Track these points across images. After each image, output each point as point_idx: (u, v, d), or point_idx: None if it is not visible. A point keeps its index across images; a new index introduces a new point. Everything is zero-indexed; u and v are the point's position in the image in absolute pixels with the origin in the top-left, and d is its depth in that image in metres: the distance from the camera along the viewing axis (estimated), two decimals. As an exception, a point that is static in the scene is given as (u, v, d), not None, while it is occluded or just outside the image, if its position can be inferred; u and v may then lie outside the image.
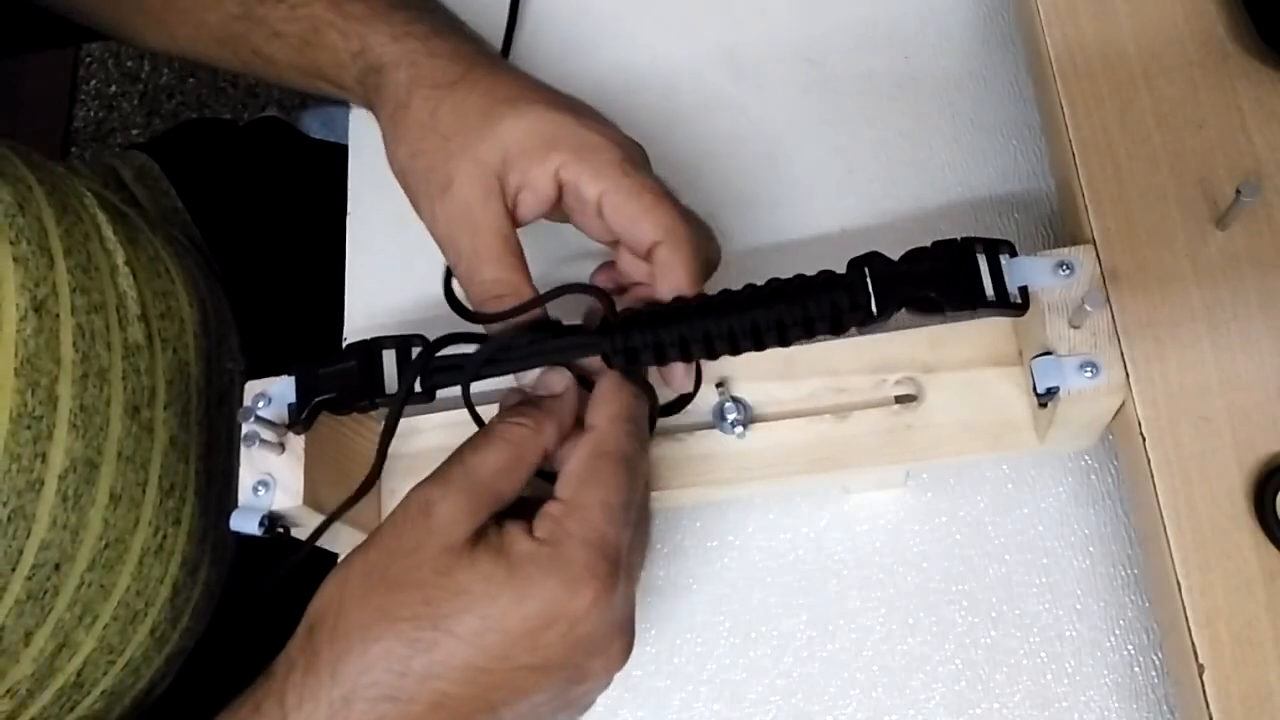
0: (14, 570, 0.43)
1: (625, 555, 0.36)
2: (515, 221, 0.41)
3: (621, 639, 0.37)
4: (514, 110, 0.40)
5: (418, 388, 0.40)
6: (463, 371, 0.40)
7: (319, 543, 0.46)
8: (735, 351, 0.38)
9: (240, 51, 0.50)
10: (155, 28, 0.53)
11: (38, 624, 0.45)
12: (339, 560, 0.38)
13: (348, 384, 0.40)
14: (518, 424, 0.38)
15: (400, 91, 0.43)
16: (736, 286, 0.40)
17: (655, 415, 0.42)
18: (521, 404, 0.39)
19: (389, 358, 0.40)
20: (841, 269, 0.39)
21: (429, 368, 0.40)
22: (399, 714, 0.34)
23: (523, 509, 0.37)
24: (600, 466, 0.37)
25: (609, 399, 0.38)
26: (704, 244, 0.41)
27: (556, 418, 0.38)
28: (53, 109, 1.54)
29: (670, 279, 0.39)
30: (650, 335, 0.38)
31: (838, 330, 0.38)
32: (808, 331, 0.38)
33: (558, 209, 0.42)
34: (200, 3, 0.49)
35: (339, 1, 0.46)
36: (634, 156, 0.41)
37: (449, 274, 0.45)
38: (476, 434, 0.38)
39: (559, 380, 0.40)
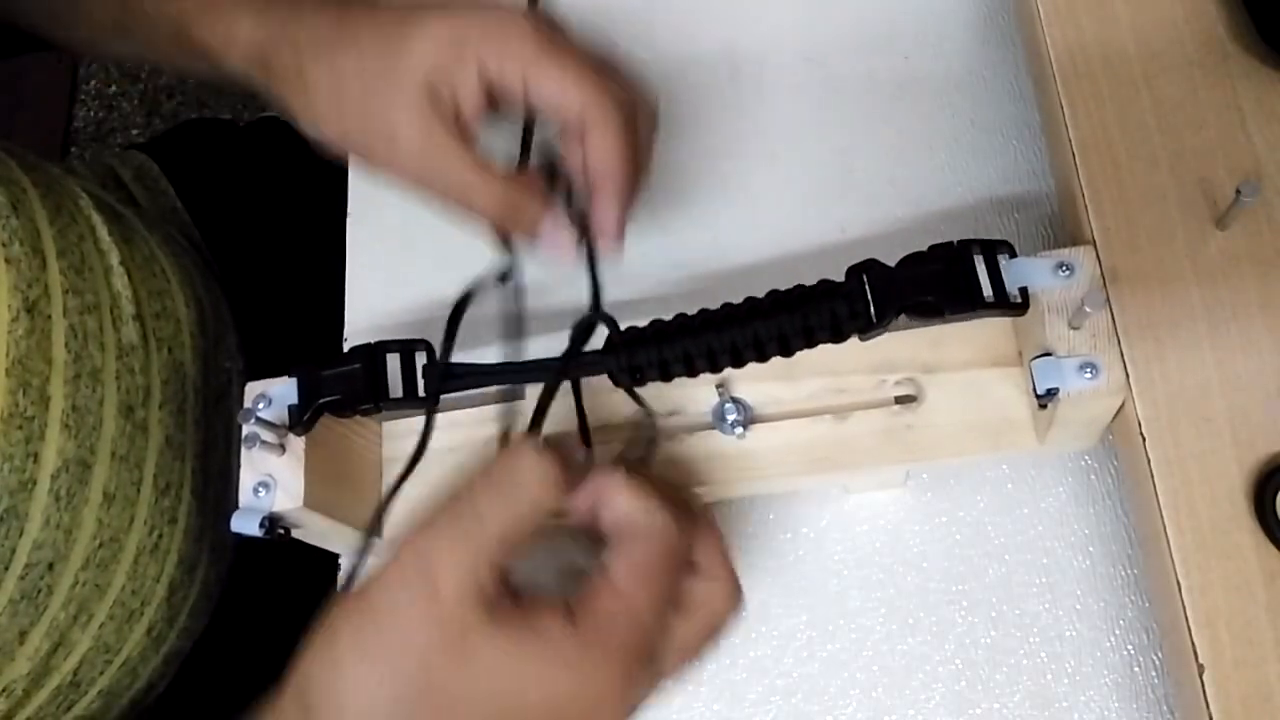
0: (7, 569, 0.43)
1: (659, 655, 0.33)
2: (469, 132, 0.40)
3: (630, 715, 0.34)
4: (413, 27, 0.39)
5: (422, 393, 0.40)
6: (467, 378, 0.40)
7: (318, 543, 0.46)
8: (739, 364, 0.39)
9: (131, 43, 0.49)
10: (63, 28, 0.53)
11: (33, 623, 0.45)
12: (325, 616, 0.33)
13: (352, 387, 0.40)
14: (533, 468, 0.33)
15: (290, 72, 0.41)
16: (738, 285, 0.40)
17: (657, 441, 0.41)
18: (523, 440, 0.35)
19: (393, 361, 0.40)
20: (841, 270, 0.39)
21: (439, 375, 0.40)
22: None
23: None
24: (664, 564, 0.33)
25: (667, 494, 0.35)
26: (632, 109, 0.39)
27: (565, 454, 0.35)
28: (53, 109, 1.54)
29: (600, 149, 0.38)
30: (655, 353, 0.38)
31: (838, 338, 0.38)
32: (809, 341, 0.38)
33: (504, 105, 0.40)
34: (86, 2, 0.49)
35: None
36: (546, 32, 0.38)
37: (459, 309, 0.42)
38: (490, 476, 0.34)
39: (580, 448, 0.38)
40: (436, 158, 0.39)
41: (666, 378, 0.39)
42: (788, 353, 0.38)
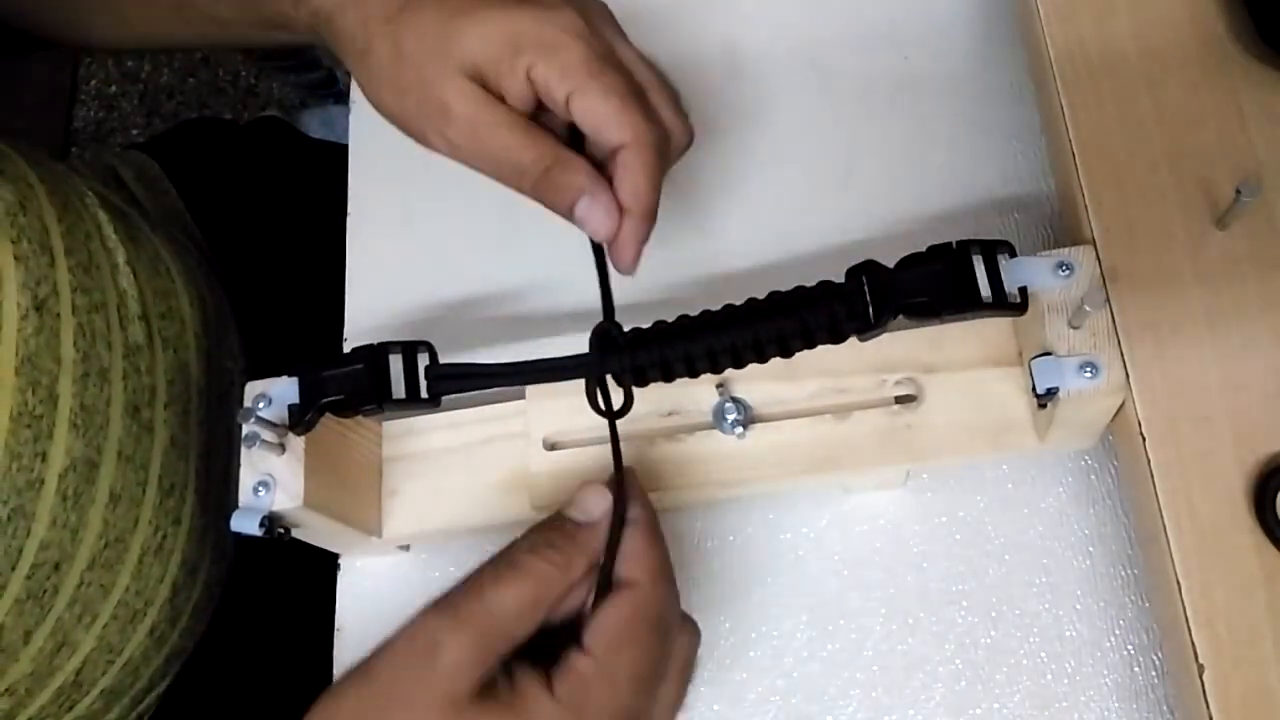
0: (14, 569, 0.43)
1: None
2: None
3: None
4: (470, 20, 0.40)
5: (424, 394, 0.40)
6: (470, 379, 0.40)
7: (318, 543, 0.46)
8: (739, 365, 0.39)
9: (191, 18, 0.49)
10: (105, 12, 0.52)
11: (37, 623, 0.45)
12: (332, 685, 0.34)
13: (355, 387, 0.40)
14: (548, 561, 0.34)
15: (357, 36, 0.42)
16: (738, 285, 0.40)
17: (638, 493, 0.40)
18: (550, 529, 0.36)
19: (395, 362, 0.40)
20: (841, 270, 0.39)
21: (438, 373, 0.40)
22: None
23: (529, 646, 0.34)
24: (638, 630, 0.34)
25: (649, 552, 0.35)
26: (666, 143, 0.40)
27: (588, 553, 0.35)
28: (53, 109, 1.54)
29: (629, 183, 0.39)
30: (656, 354, 0.38)
31: (837, 339, 0.38)
32: (808, 342, 0.38)
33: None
34: None
35: None
36: (598, 50, 0.39)
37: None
38: (499, 563, 0.34)
39: (598, 503, 0.36)
40: (487, 121, 0.39)
41: (668, 378, 0.39)
42: (787, 354, 0.38)
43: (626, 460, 0.39)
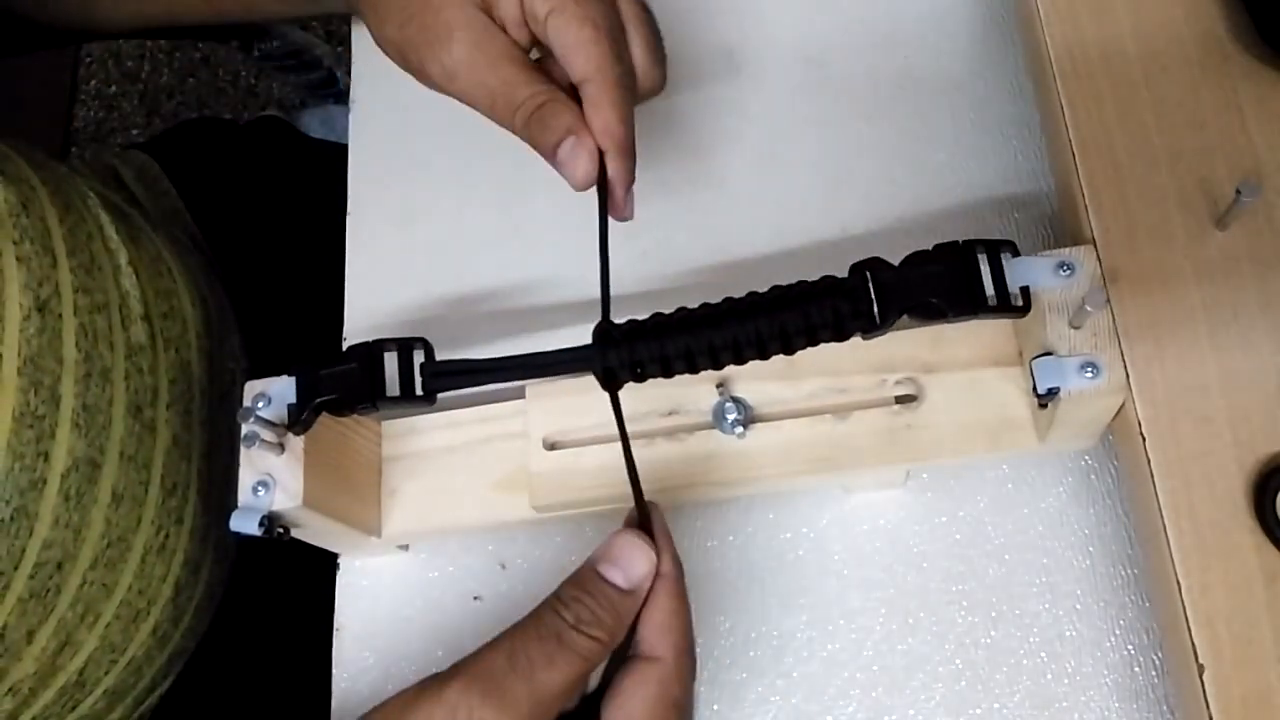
0: (16, 569, 0.43)
1: None
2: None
3: None
4: None
5: (419, 391, 0.40)
6: (466, 375, 0.40)
7: (317, 543, 0.46)
8: (740, 361, 0.38)
9: None
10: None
11: (40, 622, 0.45)
12: None
13: (350, 385, 0.40)
14: (596, 640, 0.33)
15: None
16: (738, 284, 0.40)
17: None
18: (593, 595, 0.33)
19: (390, 359, 0.40)
20: (842, 269, 0.38)
21: (433, 370, 0.40)
22: None
23: None
24: (663, 710, 0.32)
25: (675, 623, 0.34)
26: (631, 81, 0.41)
27: (629, 622, 0.34)
28: (53, 109, 1.54)
29: (599, 119, 0.39)
30: (656, 348, 0.38)
31: (841, 337, 0.37)
32: (811, 340, 0.38)
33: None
34: None
35: None
36: None
37: None
38: (545, 640, 0.32)
39: (641, 565, 0.34)
40: (488, 48, 0.40)
41: (668, 374, 0.39)
42: (790, 351, 0.38)
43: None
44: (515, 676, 0.31)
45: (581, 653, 0.32)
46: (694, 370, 0.39)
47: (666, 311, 0.39)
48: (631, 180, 0.41)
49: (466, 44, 0.40)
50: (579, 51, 0.39)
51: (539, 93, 0.40)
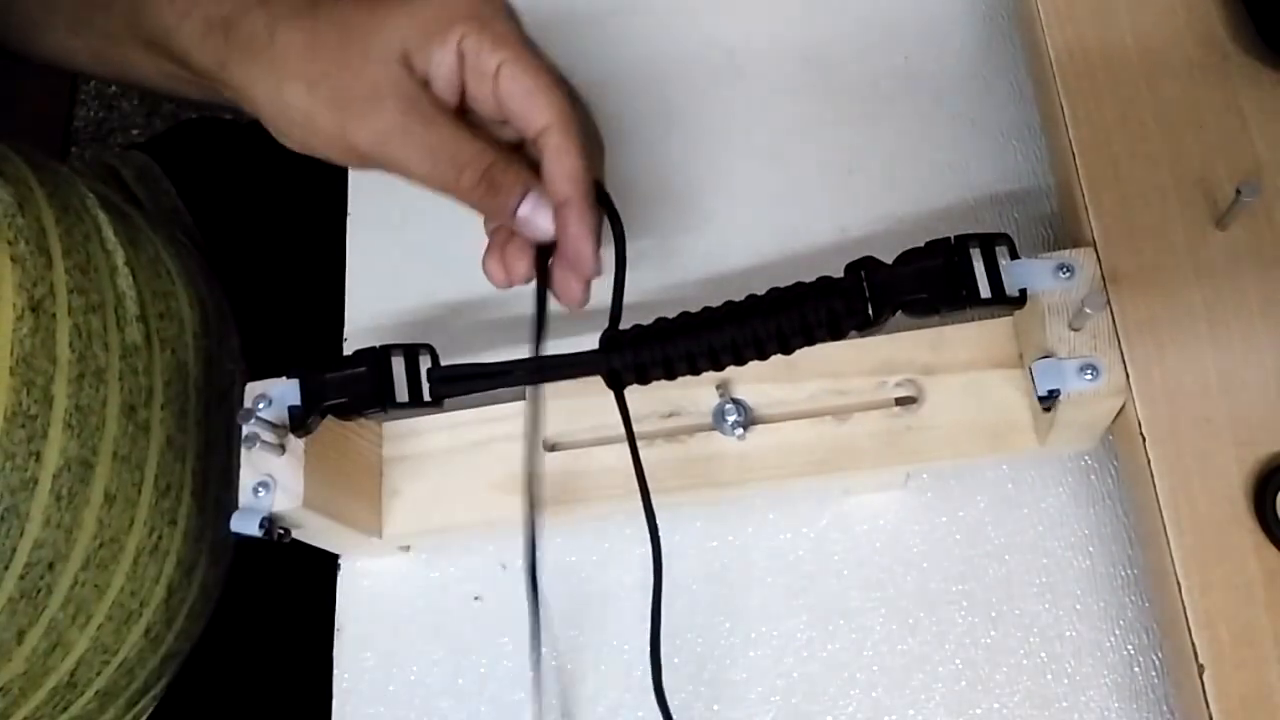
0: (7, 569, 0.43)
1: None
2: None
3: None
4: (398, 4, 0.38)
5: (426, 396, 0.40)
6: (474, 380, 0.40)
7: (318, 544, 0.46)
8: (740, 362, 0.39)
9: (88, 38, 0.47)
10: (17, 25, 0.50)
11: (31, 623, 0.45)
12: None
13: (358, 390, 0.40)
14: None
15: (259, 34, 0.39)
16: (738, 284, 0.40)
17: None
18: None
19: (398, 364, 0.40)
20: (840, 270, 0.39)
21: (440, 375, 0.40)
22: None
23: None
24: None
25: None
26: (593, 133, 0.39)
27: None
28: (53, 109, 1.54)
29: (564, 164, 0.37)
30: (658, 351, 0.38)
31: (837, 335, 0.38)
32: (808, 339, 0.38)
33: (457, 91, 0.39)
34: None
35: None
36: (524, 32, 0.38)
37: None
38: None
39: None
40: (422, 110, 0.37)
41: (671, 375, 0.39)
42: (788, 351, 0.38)
43: (627, 461, 0.38)
44: None
45: None
46: (696, 372, 0.39)
47: (666, 312, 0.39)
48: (599, 229, 0.39)
49: (398, 103, 0.37)
50: (538, 98, 0.37)
51: (485, 151, 0.38)
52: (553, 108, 0.37)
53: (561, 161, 0.37)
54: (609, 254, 0.40)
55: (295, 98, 0.39)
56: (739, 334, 0.38)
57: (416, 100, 0.37)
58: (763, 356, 0.39)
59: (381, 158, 0.38)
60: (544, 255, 0.40)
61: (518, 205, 0.38)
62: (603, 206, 0.40)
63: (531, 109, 0.37)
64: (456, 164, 0.38)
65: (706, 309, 0.39)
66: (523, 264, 0.39)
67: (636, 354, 0.38)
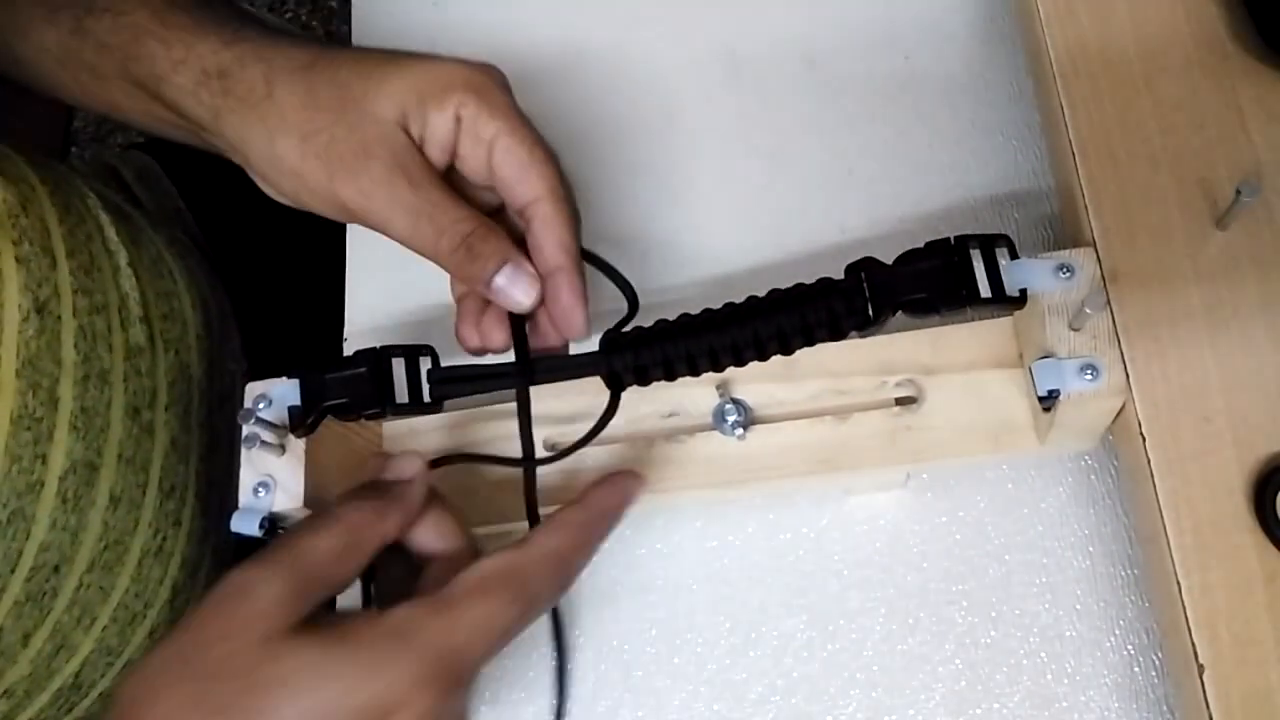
0: (13, 571, 0.43)
1: (475, 673, 0.33)
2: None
3: None
4: (396, 66, 0.39)
5: (427, 398, 0.40)
6: (474, 382, 0.40)
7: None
8: (740, 363, 0.39)
9: (76, 71, 0.47)
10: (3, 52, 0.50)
11: (36, 625, 0.45)
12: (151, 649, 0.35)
13: (359, 391, 0.40)
14: (357, 509, 0.35)
15: (256, 87, 0.40)
16: (738, 285, 0.40)
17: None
18: (365, 486, 0.37)
19: (398, 365, 0.40)
20: (841, 270, 0.39)
21: (440, 377, 0.40)
22: None
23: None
24: (511, 585, 0.34)
25: (557, 531, 0.36)
26: (574, 205, 0.40)
27: (403, 505, 0.36)
28: (53, 109, 1.53)
29: (555, 233, 0.38)
30: (659, 352, 0.38)
31: (837, 336, 0.38)
32: (808, 339, 0.38)
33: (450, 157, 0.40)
34: (42, 20, 0.47)
35: (161, 12, 0.43)
36: (519, 106, 0.39)
37: None
38: (313, 516, 0.36)
39: (409, 465, 0.37)
40: (410, 171, 0.38)
41: (671, 376, 0.39)
42: (788, 351, 0.39)
43: (627, 462, 0.38)
44: (280, 544, 0.34)
45: (345, 522, 0.34)
46: (696, 373, 0.39)
47: (666, 314, 0.40)
48: (586, 296, 0.40)
49: (386, 162, 0.38)
50: (531, 171, 0.38)
51: (466, 218, 0.38)
52: (545, 180, 0.38)
53: (553, 231, 0.38)
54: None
55: (288, 151, 0.39)
56: (739, 335, 0.38)
57: (405, 162, 0.38)
58: (763, 357, 0.39)
59: (365, 215, 0.39)
60: (518, 322, 0.40)
61: (494, 274, 0.38)
62: (598, 266, 0.41)
63: (524, 180, 0.38)
64: (437, 228, 0.38)
65: (706, 310, 0.39)
66: (499, 334, 0.40)
67: (636, 355, 0.39)
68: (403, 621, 0.32)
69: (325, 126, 0.39)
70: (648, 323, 0.40)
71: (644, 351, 0.39)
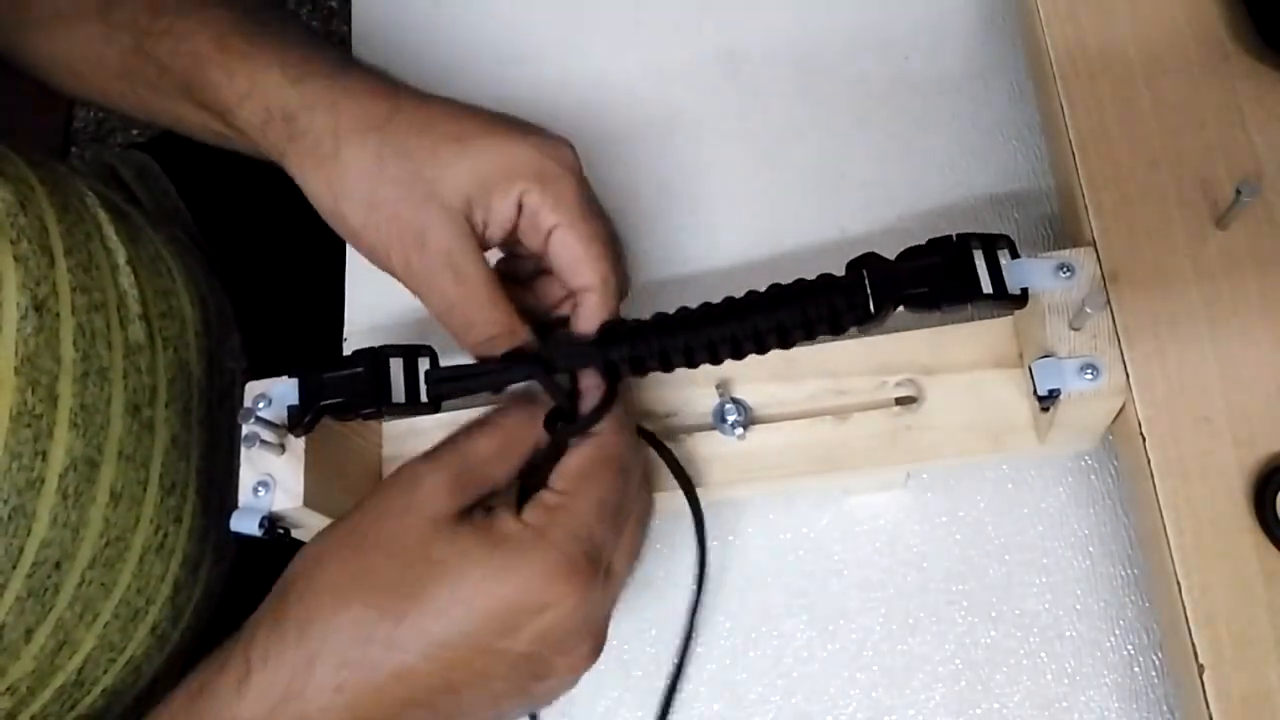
0: (15, 568, 0.43)
1: (609, 558, 0.37)
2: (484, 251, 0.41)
3: (591, 641, 0.37)
4: (464, 146, 0.40)
5: (424, 398, 0.40)
6: (471, 381, 0.40)
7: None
8: (738, 356, 0.39)
9: (138, 88, 0.48)
10: (71, 77, 0.51)
11: (38, 622, 0.45)
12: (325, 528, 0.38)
13: (356, 391, 0.40)
14: (513, 413, 0.39)
15: (324, 140, 0.41)
16: (737, 283, 0.40)
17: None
18: (520, 397, 0.40)
19: (396, 365, 0.40)
20: (840, 270, 0.39)
21: (438, 377, 0.40)
22: (360, 681, 0.34)
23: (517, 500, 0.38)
24: (601, 468, 0.37)
25: (613, 409, 0.39)
26: (624, 285, 0.42)
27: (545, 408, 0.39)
28: (53, 109, 1.54)
29: (588, 323, 0.40)
30: (656, 344, 0.38)
31: (837, 331, 0.38)
32: (808, 334, 0.38)
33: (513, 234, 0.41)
34: (100, 37, 0.48)
35: (221, 35, 0.43)
36: (587, 191, 0.41)
37: None
38: (475, 420, 0.39)
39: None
40: (459, 264, 0.40)
41: (668, 368, 0.39)
42: (787, 345, 0.38)
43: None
44: (444, 444, 0.38)
45: (501, 424, 0.38)
46: (693, 365, 0.39)
47: (665, 309, 0.39)
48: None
49: (441, 252, 0.39)
50: (584, 265, 0.40)
51: (497, 321, 0.40)
52: (597, 274, 0.40)
53: (586, 321, 0.40)
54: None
55: (351, 213, 0.41)
56: (738, 328, 0.38)
57: (458, 258, 0.40)
58: (761, 350, 0.39)
59: (404, 283, 0.41)
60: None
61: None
62: (651, 444, 0.43)
63: (577, 274, 0.40)
64: (467, 322, 0.40)
65: (705, 304, 0.39)
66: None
67: (633, 346, 0.39)
68: (534, 520, 0.36)
69: (389, 201, 0.40)
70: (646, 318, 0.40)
71: (640, 343, 0.39)
